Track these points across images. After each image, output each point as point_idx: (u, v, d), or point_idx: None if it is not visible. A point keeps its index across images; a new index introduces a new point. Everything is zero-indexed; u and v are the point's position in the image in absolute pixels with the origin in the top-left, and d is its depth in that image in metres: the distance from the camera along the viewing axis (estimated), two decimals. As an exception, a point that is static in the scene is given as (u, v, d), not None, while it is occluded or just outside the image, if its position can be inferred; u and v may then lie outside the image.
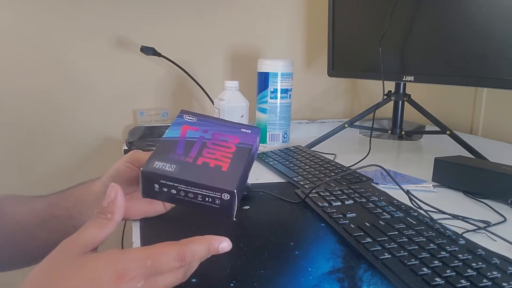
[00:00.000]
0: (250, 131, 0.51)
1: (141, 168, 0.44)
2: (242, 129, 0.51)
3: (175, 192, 0.44)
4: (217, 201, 0.43)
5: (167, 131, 0.49)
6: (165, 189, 0.44)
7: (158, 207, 0.53)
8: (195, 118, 0.51)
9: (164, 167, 0.44)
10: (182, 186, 0.43)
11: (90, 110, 1.11)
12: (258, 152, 0.95)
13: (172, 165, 0.44)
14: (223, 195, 0.43)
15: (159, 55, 1.10)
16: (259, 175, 0.79)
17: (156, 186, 0.44)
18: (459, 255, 0.43)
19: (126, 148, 1.00)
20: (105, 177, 0.51)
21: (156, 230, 0.52)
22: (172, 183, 0.44)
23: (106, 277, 0.32)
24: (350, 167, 0.82)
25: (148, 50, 1.08)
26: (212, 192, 0.43)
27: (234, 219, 0.45)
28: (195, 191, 0.43)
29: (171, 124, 0.50)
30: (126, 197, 0.51)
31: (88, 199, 0.51)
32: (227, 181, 0.43)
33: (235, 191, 0.42)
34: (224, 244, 0.38)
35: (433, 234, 0.48)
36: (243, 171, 0.45)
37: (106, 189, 0.49)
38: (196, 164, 0.45)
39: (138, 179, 0.46)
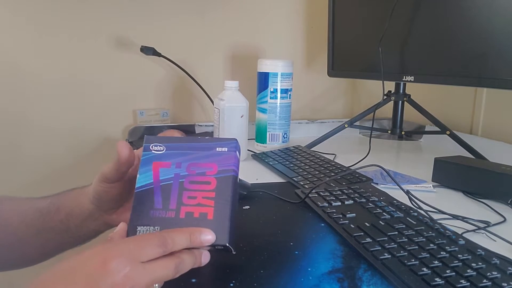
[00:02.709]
0: (226, 149, 0.44)
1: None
2: (217, 149, 0.44)
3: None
4: (212, 249, 0.41)
5: (138, 175, 0.43)
6: None
7: None
8: (163, 147, 0.45)
9: (147, 231, 0.40)
10: None
11: (90, 110, 1.11)
12: (258, 152, 0.95)
13: (156, 227, 0.40)
14: (216, 247, 0.40)
15: (159, 55, 1.10)
16: (259, 175, 0.79)
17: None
18: (459, 255, 0.43)
19: (126, 148, 1.00)
20: (91, 196, 0.49)
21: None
22: None
23: (92, 262, 0.33)
24: (350, 167, 0.82)
25: (148, 50, 1.08)
26: (204, 247, 0.40)
27: (234, 253, 0.42)
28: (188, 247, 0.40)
29: (140, 163, 0.44)
30: (118, 210, 0.51)
31: (81, 214, 0.50)
32: (217, 234, 0.39)
33: (227, 244, 0.39)
34: (208, 237, 0.38)
35: (433, 234, 0.48)
36: (231, 210, 0.41)
37: (95, 207, 0.49)
38: (180, 218, 0.40)
39: (122, 192, 0.45)
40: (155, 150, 0.44)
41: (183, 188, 0.42)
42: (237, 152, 0.44)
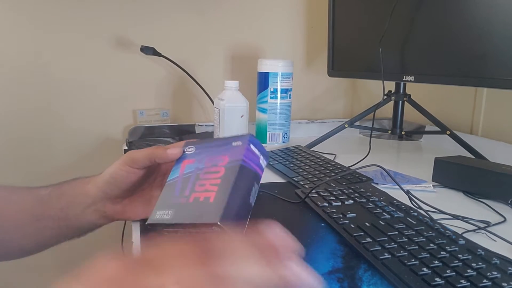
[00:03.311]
0: (240, 142, 0.48)
1: (146, 223, 0.45)
2: (233, 143, 0.48)
3: (179, 232, 0.44)
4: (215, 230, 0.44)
5: (171, 171, 0.49)
6: (169, 231, 0.45)
7: None
8: (193, 148, 0.50)
9: (163, 215, 0.44)
10: (180, 228, 0.43)
11: (90, 110, 1.11)
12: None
13: (169, 211, 0.44)
14: (213, 227, 0.41)
15: (159, 55, 1.10)
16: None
17: (162, 231, 0.45)
18: (459, 255, 0.43)
19: (126, 148, 1.00)
20: (101, 182, 0.49)
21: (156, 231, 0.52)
22: (172, 228, 0.44)
23: None
24: (350, 167, 0.82)
25: (148, 50, 1.08)
26: (205, 228, 0.42)
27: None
28: (193, 229, 0.43)
29: (174, 165, 0.50)
30: (125, 201, 0.51)
31: (84, 202, 0.50)
32: (211, 214, 0.41)
33: (218, 222, 0.40)
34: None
35: (433, 234, 0.48)
36: (231, 192, 0.42)
37: (103, 194, 0.49)
38: (189, 202, 0.44)
39: (138, 181, 0.47)
40: (187, 151, 0.50)
41: (198, 178, 0.46)
42: (251, 145, 0.47)
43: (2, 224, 0.51)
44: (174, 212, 0.44)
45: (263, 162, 0.49)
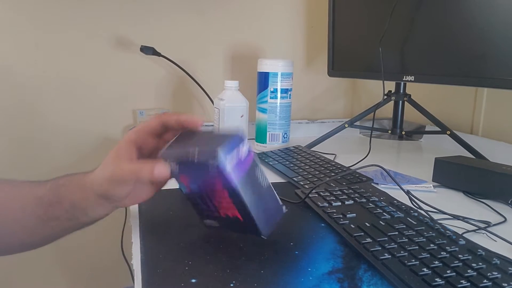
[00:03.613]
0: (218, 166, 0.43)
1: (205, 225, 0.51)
2: (209, 164, 0.44)
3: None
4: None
5: (178, 184, 0.49)
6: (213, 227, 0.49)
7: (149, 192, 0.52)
8: (176, 166, 0.47)
9: (212, 224, 0.49)
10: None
11: (90, 110, 1.11)
12: (258, 152, 0.95)
13: (214, 221, 0.48)
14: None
15: (159, 55, 1.10)
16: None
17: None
18: (459, 256, 0.43)
19: (126, 148, 1.00)
20: (99, 189, 0.47)
21: (156, 231, 0.52)
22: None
23: None
24: (350, 167, 0.82)
25: (148, 50, 1.08)
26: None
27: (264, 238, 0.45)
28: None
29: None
30: (130, 194, 0.49)
31: (87, 204, 0.48)
32: (251, 231, 0.45)
33: (263, 236, 0.44)
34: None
35: (433, 234, 0.48)
36: (250, 206, 0.43)
37: (104, 196, 0.47)
38: (223, 217, 0.47)
39: (156, 150, 0.49)
40: (173, 169, 0.46)
41: (210, 196, 0.46)
42: (225, 162, 0.43)
43: (7, 224, 0.49)
44: (219, 223, 0.48)
45: (245, 149, 0.45)
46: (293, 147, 0.96)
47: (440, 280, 0.39)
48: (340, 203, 0.59)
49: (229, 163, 0.42)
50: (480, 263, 0.41)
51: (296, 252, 0.47)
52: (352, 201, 0.59)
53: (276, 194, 0.48)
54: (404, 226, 0.50)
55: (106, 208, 0.49)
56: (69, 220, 0.49)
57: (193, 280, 0.40)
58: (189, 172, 0.45)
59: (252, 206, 0.44)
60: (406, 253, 0.44)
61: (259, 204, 0.45)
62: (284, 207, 0.49)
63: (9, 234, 0.50)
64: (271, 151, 0.94)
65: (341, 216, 0.54)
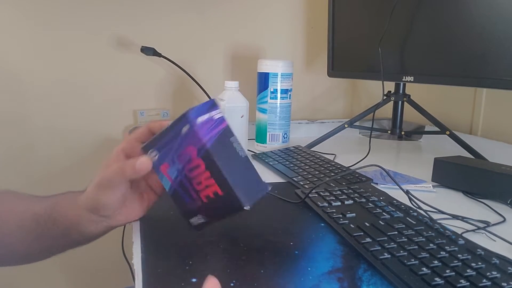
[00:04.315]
0: (188, 126, 0.44)
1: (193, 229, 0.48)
2: (182, 130, 0.44)
3: (209, 224, 0.47)
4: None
5: (162, 182, 0.48)
6: (201, 225, 0.47)
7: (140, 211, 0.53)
8: (156, 152, 0.47)
9: (198, 220, 0.47)
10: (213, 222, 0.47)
11: (90, 110, 1.11)
12: (258, 152, 0.95)
13: (198, 216, 0.47)
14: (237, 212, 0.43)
15: (159, 55, 1.10)
16: (259, 175, 0.79)
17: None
18: (459, 255, 0.43)
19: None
20: (89, 206, 0.48)
21: (156, 230, 0.52)
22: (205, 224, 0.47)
23: None
24: (350, 167, 0.82)
25: (148, 51, 1.08)
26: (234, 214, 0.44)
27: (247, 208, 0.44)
28: (222, 219, 0.46)
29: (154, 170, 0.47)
30: (121, 208, 0.50)
31: (81, 223, 0.49)
32: (235, 204, 0.43)
33: (246, 208, 0.42)
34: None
35: (433, 234, 0.48)
36: (229, 176, 0.43)
37: (97, 215, 0.48)
38: (204, 202, 0.46)
39: (122, 194, 0.48)
40: (153, 158, 0.47)
41: (188, 178, 0.45)
42: (197, 121, 0.44)
43: (5, 238, 0.50)
44: (203, 216, 0.46)
45: (218, 114, 0.46)
46: (293, 147, 0.96)
47: (439, 280, 0.39)
48: (339, 203, 0.59)
49: (200, 122, 0.43)
50: (480, 263, 0.42)
51: (296, 252, 0.47)
52: (352, 201, 0.60)
53: (256, 170, 0.48)
54: (404, 226, 0.50)
55: (98, 225, 0.50)
56: (63, 238, 0.50)
57: (194, 280, 0.41)
58: (166, 153, 0.46)
59: (227, 170, 0.43)
60: (405, 253, 0.44)
61: (235, 170, 0.44)
62: (268, 185, 0.48)
63: (6, 246, 0.51)
64: (271, 151, 0.94)
65: (340, 216, 0.54)
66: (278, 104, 0.98)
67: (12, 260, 0.54)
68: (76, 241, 0.51)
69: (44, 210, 0.50)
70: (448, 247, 0.45)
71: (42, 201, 0.52)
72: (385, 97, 1.01)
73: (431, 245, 0.45)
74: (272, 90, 0.97)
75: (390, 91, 1.03)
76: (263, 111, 0.99)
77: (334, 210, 0.56)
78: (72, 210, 0.49)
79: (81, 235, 0.50)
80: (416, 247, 0.45)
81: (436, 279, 0.39)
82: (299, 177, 0.74)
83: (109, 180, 0.46)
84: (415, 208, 0.58)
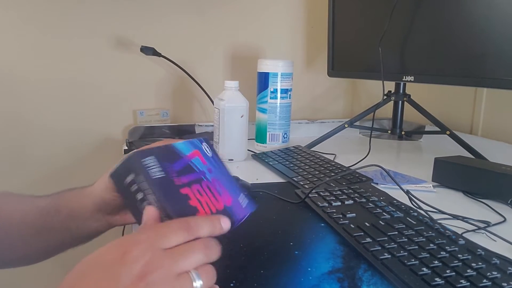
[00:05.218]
0: (245, 205, 0.45)
1: (134, 150, 0.41)
2: (239, 197, 0.45)
3: (140, 197, 0.41)
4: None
5: (180, 142, 0.45)
6: (134, 188, 0.41)
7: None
8: (210, 153, 0.47)
9: (152, 168, 0.40)
10: (150, 195, 0.40)
11: (90, 110, 1.11)
12: (258, 152, 0.95)
13: (158, 173, 0.40)
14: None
15: (159, 55, 1.10)
16: (259, 175, 0.79)
17: (129, 178, 0.40)
18: (459, 255, 0.43)
19: (126, 148, 1.00)
20: (97, 199, 0.49)
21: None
22: (145, 188, 0.40)
23: (111, 254, 0.32)
24: (350, 167, 0.82)
25: (148, 50, 1.08)
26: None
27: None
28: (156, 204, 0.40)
29: (186, 140, 0.46)
30: (121, 212, 0.50)
31: (82, 216, 0.50)
32: (235, 217, 0.42)
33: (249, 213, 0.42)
34: (227, 225, 0.38)
35: (433, 234, 0.48)
36: (231, 187, 0.44)
37: (99, 209, 0.49)
38: (179, 191, 0.40)
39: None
40: (205, 147, 0.46)
41: (199, 183, 0.43)
42: (249, 213, 0.45)
43: (8, 236, 0.51)
44: (160, 179, 0.40)
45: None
46: (293, 147, 0.96)
47: (439, 280, 0.39)
48: (340, 203, 0.59)
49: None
50: (480, 263, 0.42)
51: (296, 252, 0.47)
52: (352, 201, 0.59)
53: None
54: (404, 226, 0.50)
55: (99, 222, 0.50)
56: (62, 231, 0.50)
57: (194, 280, 0.40)
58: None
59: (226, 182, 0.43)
60: (405, 253, 0.44)
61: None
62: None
63: (10, 246, 0.51)
64: (271, 151, 0.94)
65: (341, 216, 0.54)
66: (278, 104, 0.98)
67: (9, 261, 0.54)
68: (74, 236, 0.51)
69: (49, 202, 0.51)
70: (448, 247, 0.45)
71: (47, 197, 0.53)
72: (385, 97, 1.01)
73: (431, 245, 0.45)
74: (272, 90, 0.97)
75: (390, 91, 1.03)
76: (263, 111, 0.99)
77: (334, 210, 0.56)
78: (77, 200, 0.50)
79: (80, 229, 0.50)
80: (417, 247, 0.45)
81: (437, 279, 0.39)
82: (299, 177, 0.74)
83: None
84: (415, 208, 0.58)
